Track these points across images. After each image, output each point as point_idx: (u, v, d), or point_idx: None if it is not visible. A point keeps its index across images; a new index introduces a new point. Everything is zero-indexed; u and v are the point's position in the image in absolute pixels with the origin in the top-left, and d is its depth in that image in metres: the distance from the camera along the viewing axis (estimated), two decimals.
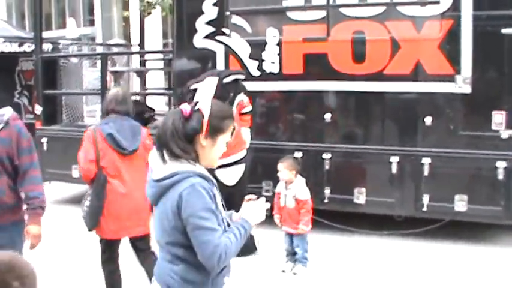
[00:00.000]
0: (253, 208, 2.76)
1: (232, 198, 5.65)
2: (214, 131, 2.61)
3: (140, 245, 4.91)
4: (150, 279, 4.94)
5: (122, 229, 4.75)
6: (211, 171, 6.53)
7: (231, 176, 6.33)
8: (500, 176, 6.45)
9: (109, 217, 4.68)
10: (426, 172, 6.71)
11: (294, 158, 6.77)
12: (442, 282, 5.74)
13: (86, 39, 22.29)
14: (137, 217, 4.75)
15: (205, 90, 2.70)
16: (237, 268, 6.26)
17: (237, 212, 2.84)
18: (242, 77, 6.42)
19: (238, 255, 6.52)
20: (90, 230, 4.81)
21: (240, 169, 6.47)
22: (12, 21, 25.18)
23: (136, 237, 4.87)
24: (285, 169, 5.95)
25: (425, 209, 6.74)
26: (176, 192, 2.51)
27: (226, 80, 6.23)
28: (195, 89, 6.40)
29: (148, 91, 10.85)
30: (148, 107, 9.78)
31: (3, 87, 12.39)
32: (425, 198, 6.73)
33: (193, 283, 2.59)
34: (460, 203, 6.62)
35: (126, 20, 22.81)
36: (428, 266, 6.18)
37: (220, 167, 6.18)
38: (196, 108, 2.61)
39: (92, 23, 25.55)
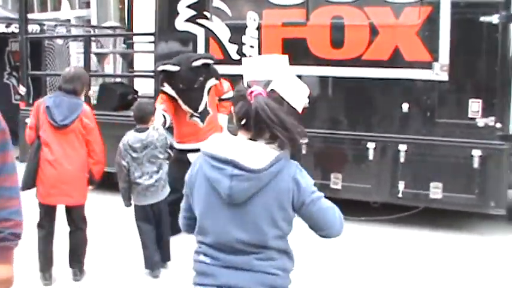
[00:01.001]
0: None
1: None
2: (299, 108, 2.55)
3: (74, 216, 5.30)
4: (70, 256, 5.27)
5: (48, 195, 5.14)
6: (183, 153, 6.49)
7: None
8: (476, 165, 6.45)
9: (39, 181, 5.15)
10: (402, 159, 6.71)
11: None
12: (417, 269, 5.75)
13: (81, 22, 22.20)
14: (63, 187, 5.11)
15: (276, 69, 2.65)
16: None
17: None
18: (211, 61, 6.38)
19: None
20: (22, 189, 5.06)
21: None
22: (7, 5, 25.08)
23: (68, 208, 5.27)
24: None
25: (400, 195, 6.76)
26: (287, 177, 2.42)
27: (195, 63, 6.21)
28: (163, 71, 6.43)
29: (134, 73, 10.77)
30: (132, 89, 9.77)
31: None
32: (401, 185, 6.75)
33: (290, 272, 2.58)
34: (435, 190, 6.64)
35: (122, 3, 22.69)
36: (403, 252, 6.20)
37: (193, 151, 6.25)
38: (270, 89, 2.51)
39: (87, 5, 25.42)
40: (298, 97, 2.57)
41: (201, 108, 6.36)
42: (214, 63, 6.41)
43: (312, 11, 6.98)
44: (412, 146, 6.69)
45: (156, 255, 5.58)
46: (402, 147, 6.69)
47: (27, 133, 5.28)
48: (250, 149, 2.42)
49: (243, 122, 2.48)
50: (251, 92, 2.43)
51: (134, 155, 5.34)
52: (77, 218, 5.32)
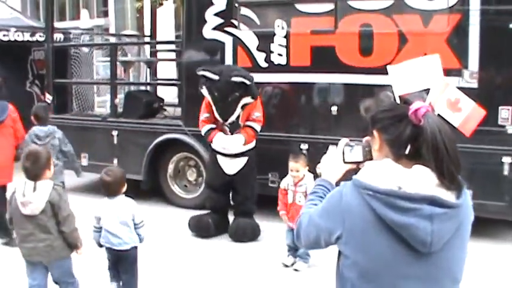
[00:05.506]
0: None
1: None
2: None
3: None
4: None
5: None
6: (214, 152, 6.59)
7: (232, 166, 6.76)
8: (506, 172, 6.44)
9: None
10: None
11: (303, 153, 6.75)
12: None
13: (99, 30, 22.36)
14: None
15: (429, 75, 2.16)
16: (238, 258, 6.31)
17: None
18: (248, 82, 6.49)
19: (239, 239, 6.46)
20: None
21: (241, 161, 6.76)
22: (26, 12, 25.32)
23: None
24: (302, 167, 5.89)
25: None
26: (470, 206, 2.03)
27: (234, 79, 6.35)
28: (204, 76, 6.58)
29: (158, 81, 10.87)
30: (158, 97, 9.84)
31: (15, 76, 12.54)
32: None
33: None
34: None
35: (140, 12, 22.86)
36: None
37: (221, 153, 6.45)
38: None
39: (105, 14, 25.63)
40: (462, 116, 2.19)
41: (230, 120, 6.53)
42: (252, 82, 6.57)
43: (340, 19, 7.00)
44: None
45: None
46: None
47: None
48: (432, 178, 1.87)
49: (407, 150, 1.94)
50: (416, 110, 1.90)
51: (39, 142, 6.30)
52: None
